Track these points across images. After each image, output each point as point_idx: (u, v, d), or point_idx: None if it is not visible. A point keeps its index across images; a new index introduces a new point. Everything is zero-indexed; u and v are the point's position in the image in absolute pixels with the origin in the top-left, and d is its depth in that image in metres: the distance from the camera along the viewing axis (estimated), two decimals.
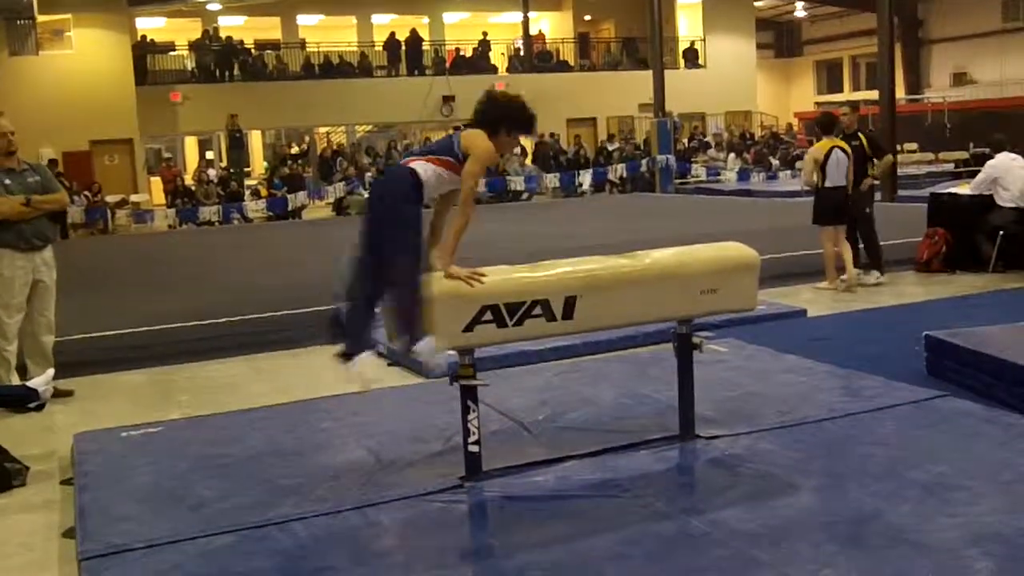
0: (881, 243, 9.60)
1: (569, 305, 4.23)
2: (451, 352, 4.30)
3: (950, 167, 23.57)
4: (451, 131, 4.54)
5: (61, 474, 5.09)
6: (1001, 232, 9.53)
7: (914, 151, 26.21)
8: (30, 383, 5.58)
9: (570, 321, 4.27)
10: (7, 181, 6.43)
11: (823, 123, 9.39)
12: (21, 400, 5.45)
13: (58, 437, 5.70)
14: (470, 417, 4.24)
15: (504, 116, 4.39)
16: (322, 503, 4.17)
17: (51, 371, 5.79)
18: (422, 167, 4.23)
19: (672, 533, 3.71)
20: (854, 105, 10.02)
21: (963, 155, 23.23)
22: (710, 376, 5.50)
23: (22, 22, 20.88)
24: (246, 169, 24.82)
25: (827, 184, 8.94)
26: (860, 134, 9.54)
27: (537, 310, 4.17)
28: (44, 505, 4.68)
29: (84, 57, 24.10)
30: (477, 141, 4.27)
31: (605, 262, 4.45)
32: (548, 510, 4.01)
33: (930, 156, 26.05)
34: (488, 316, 4.09)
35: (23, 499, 4.78)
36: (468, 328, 4.08)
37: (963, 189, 10.59)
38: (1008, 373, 5.16)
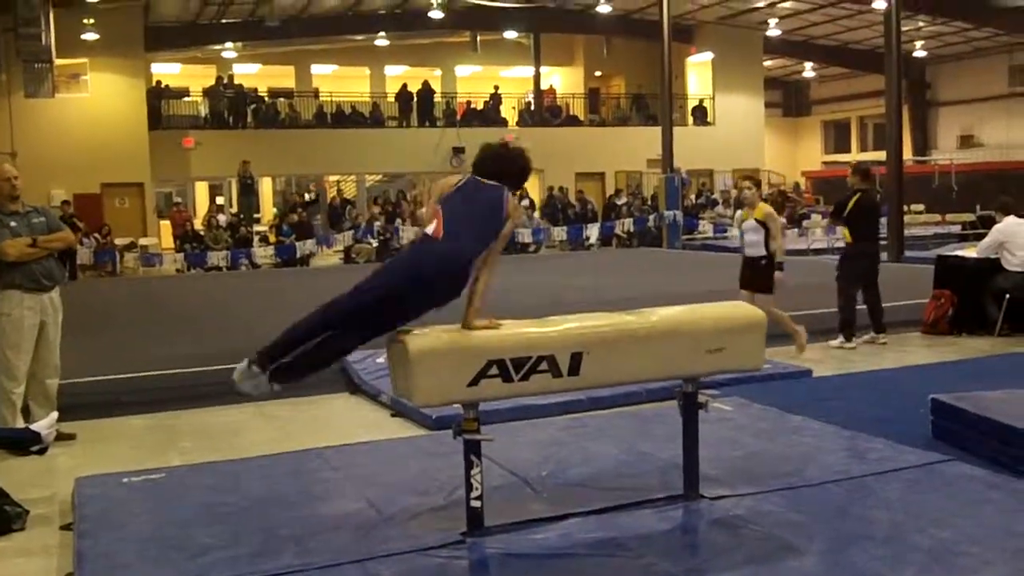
0: (890, 303, 9.61)
1: (575, 361, 4.22)
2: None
3: (957, 228, 23.65)
4: (476, 177, 4.39)
5: (61, 519, 5.06)
6: (1008, 296, 9.52)
7: (921, 212, 26.31)
8: (33, 426, 5.57)
9: (576, 377, 4.26)
10: (12, 224, 6.49)
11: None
12: (23, 443, 5.43)
13: (59, 481, 5.68)
14: (473, 472, 4.22)
15: (525, 175, 4.46)
16: (321, 555, 4.13)
17: (55, 414, 5.79)
18: (478, 257, 4.17)
19: None
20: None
21: (970, 217, 23.31)
22: (715, 435, 5.48)
23: (40, 65, 21.14)
24: (255, 215, 24.93)
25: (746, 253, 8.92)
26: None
27: (543, 365, 4.16)
28: (43, 550, 4.65)
29: (99, 100, 24.39)
30: (518, 209, 4.30)
31: (612, 319, 4.45)
32: (550, 568, 3.97)
33: (937, 217, 26.13)
34: (494, 371, 4.09)
35: (22, 543, 4.76)
36: (473, 382, 4.07)
37: (970, 252, 10.61)
38: (1015, 438, 5.13)
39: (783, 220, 27.39)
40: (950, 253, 11.37)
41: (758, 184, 9.42)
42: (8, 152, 21.02)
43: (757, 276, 8.77)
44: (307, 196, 26.05)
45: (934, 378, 7.37)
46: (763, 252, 8.70)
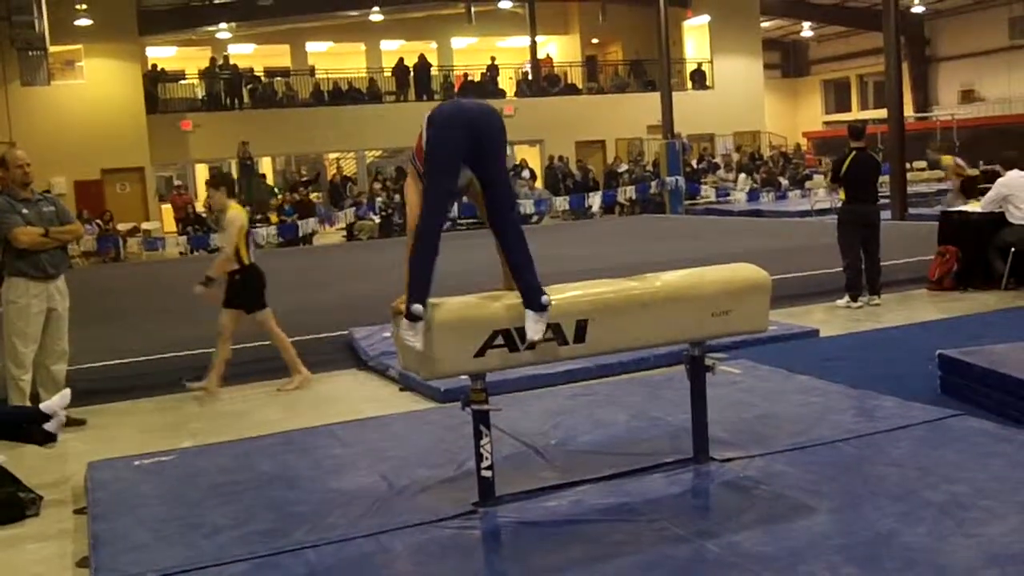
0: (894, 261, 9.58)
1: (581, 329, 4.22)
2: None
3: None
4: None
5: (74, 503, 5.09)
6: (1013, 249, 9.49)
7: (924, 169, 26.18)
8: (43, 405, 5.53)
9: (582, 344, 4.27)
10: (25, 211, 6.50)
11: None
12: (32, 421, 5.36)
13: (71, 466, 5.70)
14: (483, 442, 4.23)
15: None
16: (334, 530, 4.15)
17: (67, 391, 5.69)
18: None
19: (687, 557, 3.69)
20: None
21: (973, 172, 23.18)
22: (723, 398, 5.49)
23: (34, 53, 21.07)
24: (272, 200, 24.70)
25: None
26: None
27: (549, 334, 4.16)
28: (58, 534, 4.68)
29: (95, 87, 24.33)
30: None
31: (616, 285, 4.44)
32: (563, 535, 3.99)
33: (939, 174, 26.01)
34: (499, 341, 4.09)
35: (37, 529, 4.79)
36: (480, 353, 4.08)
37: (973, 207, 10.57)
38: (1023, 391, 5.13)
39: (785, 182, 27.15)
40: (954, 209, 11.33)
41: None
42: (6, 142, 20.99)
43: (235, 291, 7.38)
44: (302, 176, 25.91)
45: (941, 334, 7.37)
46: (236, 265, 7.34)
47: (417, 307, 4.01)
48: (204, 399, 7.21)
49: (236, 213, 7.39)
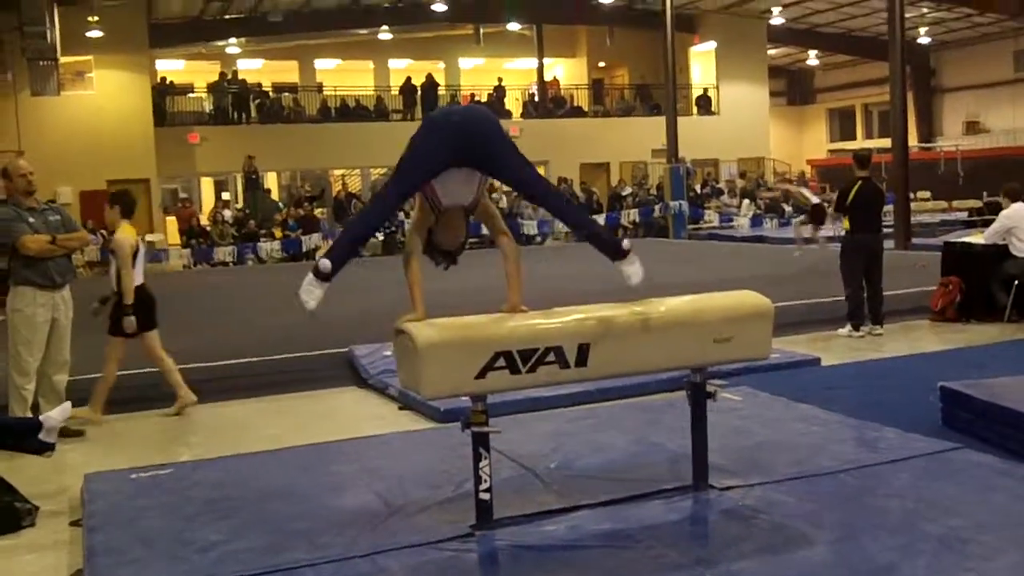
0: (897, 291, 9.58)
1: (583, 352, 4.21)
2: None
3: (963, 215, 23.56)
4: None
5: (71, 514, 5.08)
6: (1016, 282, 9.49)
7: (927, 199, 26.22)
8: (43, 417, 5.53)
9: (584, 368, 4.25)
10: (31, 220, 6.52)
11: None
12: (31, 442, 5.36)
13: (68, 477, 5.69)
14: (482, 464, 4.22)
15: None
16: (330, 549, 4.13)
17: (68, 404, 5.70)
18: None
19: None
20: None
21: (976, 203, 23.22)
22: (723, 425, 5.46)
23: (45, 63, 21.16)
24: (277, 217, 24.72)
25: None
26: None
27: (551, 357, 4.15)
28: (53, 546, 4.67)
29: (104, 98, 24.40)
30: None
31: (619, 309, 4.43)
32: (559, 560, 3.97)
33: (943, 204, 26.05)
34: (501, 362, 4.08)
35: (32, 539, 4.77)
36: (481, 374, 4.06)
37: (977, 238, 10.58)
38: None
39: (788, 208, 27.14)
40: (957, 240, 11.33)
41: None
42: (14, 150, 21.04)
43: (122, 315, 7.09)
44: (304, 192, 25.91)
45: (943, 365, 7.35)
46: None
47: (325, 263, 4.12)
48: (87, 423, 6.93)
49: (126, 236, 7.14)
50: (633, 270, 4.32)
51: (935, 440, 5.33)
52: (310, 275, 4.10)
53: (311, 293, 4.09)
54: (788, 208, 26.68)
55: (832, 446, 5.37)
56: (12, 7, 19.90)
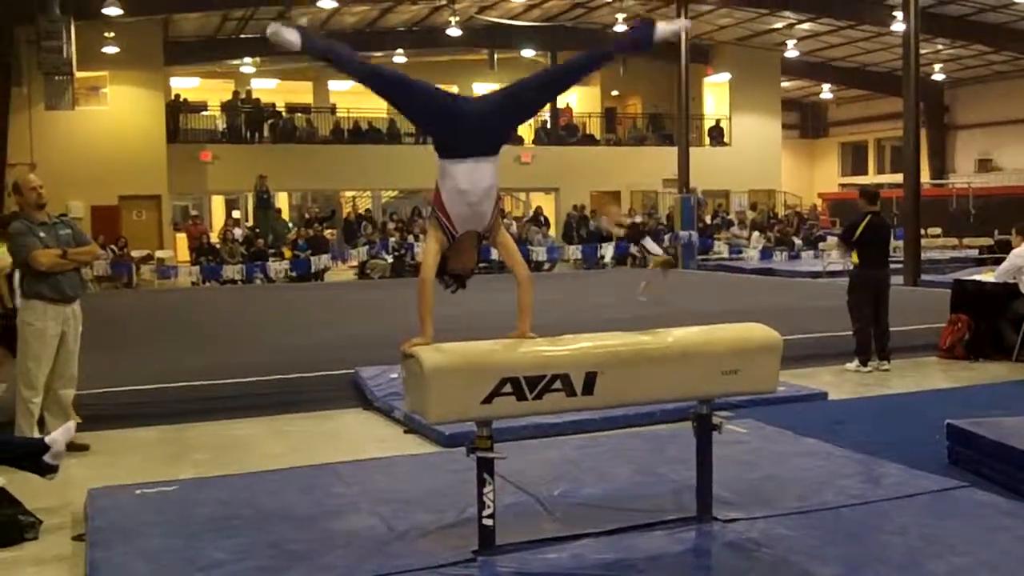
0: (905, 327, 9.55)
1: (590, 381, 4.21)
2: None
3: (974, 253, 23.54)
4: None
5: (74, 529, 5.07)
6: None
7: (938, 236, 26.19)
8: (48, 438, 5.54)
9: (590, 397, 4.25)
10: (41, 234, 6.55)
11: None
12: (36, 462, 5.35)
13: (72, 491, 5.68)
14: (486, 490, 4.21)
15: None
16: (332, 571, 4.13)
17: (71, 424, 5.72)
18: None
19: None
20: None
21: (987, 241, 23.21)
22: (729, 457, 5.45)
23: (60, 77, 21.33)
24: (287, 235, 24.78)
25: None
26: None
27: (557, 384, 4.15)
28: (55, 560, 4.66)
29: (118, 113, 24.57)
30: None
31: (627, 338, 4.44)
32: None
33: (954, 241, 26.02)
34: (508, 388, 4.08)
35: (35, 553, 4.77)
36: (487, 400, 4.07)
37: (987, 276, 10.56)
38: None
39: (798, 241, 27.20)
40: (967, 277, 11.31)
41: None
42: (28, 163, 21.18)
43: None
44: (311, 214, 25.95)
45: (950, 403, 7.32)
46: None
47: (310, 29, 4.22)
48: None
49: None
50: (670, 27, 4.45)
51: (941, 478, 5.31)
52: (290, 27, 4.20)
53: (285, 32, 4.22)
54: (798, 241, 26.66)
55: (837, 481, 5.35)
56: (29, 21, 20.08)
